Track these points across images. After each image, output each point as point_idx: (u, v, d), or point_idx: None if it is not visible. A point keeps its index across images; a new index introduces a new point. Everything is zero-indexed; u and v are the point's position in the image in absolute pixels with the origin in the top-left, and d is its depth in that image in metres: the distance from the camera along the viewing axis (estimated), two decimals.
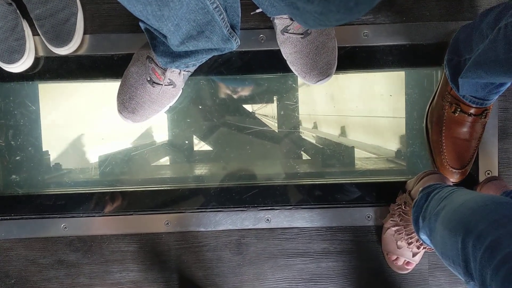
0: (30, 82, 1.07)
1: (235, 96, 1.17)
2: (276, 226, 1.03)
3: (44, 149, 1.15)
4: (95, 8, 1.01)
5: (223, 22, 0.79)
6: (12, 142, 1.11)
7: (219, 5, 0.76)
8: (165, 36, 0.80)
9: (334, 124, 1.36)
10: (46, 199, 1.04)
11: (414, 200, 0.88)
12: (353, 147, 1.25)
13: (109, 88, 1.03)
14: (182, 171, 1.21)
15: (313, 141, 1.34)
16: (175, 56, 0.86)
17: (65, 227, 1.03)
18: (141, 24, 0.84)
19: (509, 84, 0.88)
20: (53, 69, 1.02)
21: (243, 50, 1.01)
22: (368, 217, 1.03)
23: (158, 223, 1.03)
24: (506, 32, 0.70)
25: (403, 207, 0.95)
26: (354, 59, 1.02)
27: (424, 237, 0.83)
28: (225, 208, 1.04)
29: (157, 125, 1.24)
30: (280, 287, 1.05)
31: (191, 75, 0.99)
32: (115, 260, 1.04)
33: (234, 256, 1.04)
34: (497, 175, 1.02)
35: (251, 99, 1.19)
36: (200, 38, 0.80)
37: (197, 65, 0.94)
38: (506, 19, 0.70)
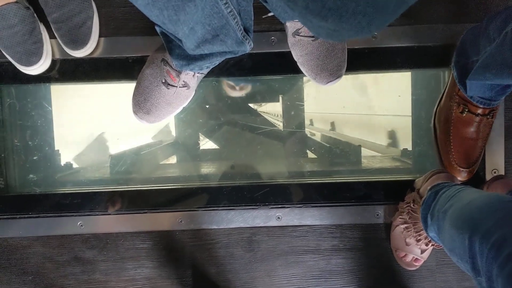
0: (47, 84, 1.09)
1: (246, 97, 1.18)
2: (286, 224, 1.05)
3: (60, 150, 1.17)
4: (110, 11, 1.02)
5: (237, 25, 0.80)
6: (30, 143, 1.13)
7: (233, 9, 0.77)
8: (180, 40, 0.81)
9: (343, 124, 1.37)
10: (62, 198, 1.06)
11: (423, 199, 0.89)
12: (360, 146, 1.26)
13: (123, 89, 1.05)
14: (195, 170, 1.22)
15: (322, 141, 1.36)
16: (191, 59, 0.87)
17: (81, 225, 1.05)
18: (157, 28, 0.85)
19: None
20: (69, 71, 1.04)
21: (254, 52, 1.02)
22: (377, 215, 1.04)
23: (171, 221, 1.05)
24: None
25: (411, 205, 0.96)
26: (363, 60, 1.03)
27: (432, 234, 0.85)
28: (237, 206, 1.05)
29: (169, 125, 1.25)
30: (290, 284, 1.06)
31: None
32: (130, 257, 1.06)
33: (246, 253, 1.06)
34: (503, 173, 1.03)
35: (261, 100, 1.20)
36: (215, 42, 0.81)
37: (211, 67, 0.96)
38: None
